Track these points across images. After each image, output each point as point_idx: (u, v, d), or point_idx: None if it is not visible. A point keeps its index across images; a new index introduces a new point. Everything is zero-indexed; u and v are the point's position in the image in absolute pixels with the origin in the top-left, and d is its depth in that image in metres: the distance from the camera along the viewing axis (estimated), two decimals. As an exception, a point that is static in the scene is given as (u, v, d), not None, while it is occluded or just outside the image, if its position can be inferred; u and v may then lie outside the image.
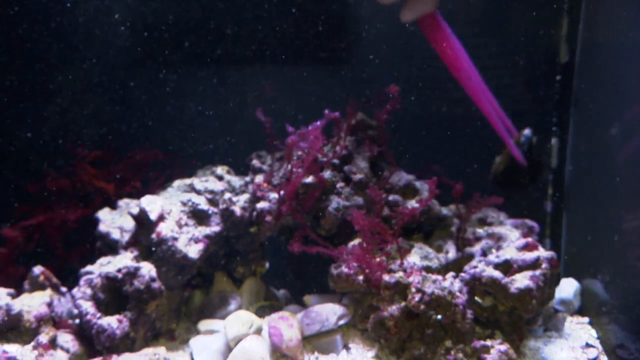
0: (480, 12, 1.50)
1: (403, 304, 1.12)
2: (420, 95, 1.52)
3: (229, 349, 1.16)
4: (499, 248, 1.17)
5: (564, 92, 1.44)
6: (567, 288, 1.30)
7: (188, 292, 1.35)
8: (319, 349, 1.17)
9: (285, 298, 1.43)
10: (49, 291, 1.21)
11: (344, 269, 1.18)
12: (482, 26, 1.50)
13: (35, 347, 1.09)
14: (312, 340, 1.19)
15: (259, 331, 1.18)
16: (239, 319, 1.18)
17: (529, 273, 1.09)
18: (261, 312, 1.29)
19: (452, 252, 1.22)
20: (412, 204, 1.23)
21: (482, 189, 1.24)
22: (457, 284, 1.10)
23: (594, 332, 1.23)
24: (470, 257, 1.17)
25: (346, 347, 1.18)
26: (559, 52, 1.44)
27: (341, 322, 1.19)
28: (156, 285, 1.18)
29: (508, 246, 1.16)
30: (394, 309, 1.12)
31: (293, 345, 1.14)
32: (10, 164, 1.45)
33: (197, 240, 1.25)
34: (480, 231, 1.23)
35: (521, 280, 1.07)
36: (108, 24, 1.50)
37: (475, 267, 1.12)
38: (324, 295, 1.28)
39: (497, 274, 1.09)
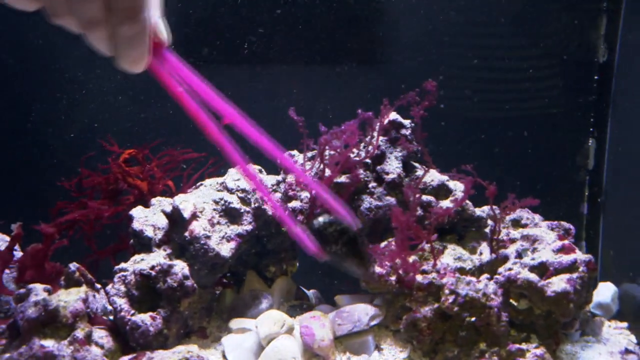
0: (517, 12, 1.48)
1: (436, 305, 1.11)
2: (454, 95, 1.50)
3: (261, 347, 1.16)
4: (534, 250, 1.15)
5: (602, 92, 1.41)
6: (605, 292, 1.28)
7: (219, 290, 1.36)
8: (350, 349, 1.17)
9: (315, 298, 1.42)
10: (84, 287, 1.22)
11: (377, 269, 1.18)
12: (519, 26, 1.48)
13: (71, 343, 1.11)
14: (344, 340, 1.18)
15: (290, 330, 1.18)
16: (270, 318, 1.19)
17: (565, 276, 1.07)
18: (292, 312, 1.29)
19: (486, 254, 1.20)
20: (446, 204, 1.22)
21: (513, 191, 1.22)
22: (491, 286, 1.09)
23: (633, 338, 1.21)
24: (505, 259, 1.16)
25: (378, 347, 1.17)
26: (597, 51, 1.41)
27: (373, 322, 1.18)
28: (189, 283, 1.19)
29: (544, 248, 1.14)
30: (427, 310, 1.11)
31: (325, 345, 1.13)
32: (47, 162, 1.48)
33: (229, 239, 1.26)
34: (514, 233, 1.21)
35: (558, 283, 1.06)
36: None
37: (510, 269, 1.11)
38: (356, 296, 1.28)
39: (533, 276, 1.07)
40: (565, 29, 1.49)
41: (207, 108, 0.85)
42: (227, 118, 0.85)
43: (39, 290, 1.18)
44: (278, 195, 1.32)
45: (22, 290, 1.19)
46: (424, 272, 1.15)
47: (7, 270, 1.33)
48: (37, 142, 1.58)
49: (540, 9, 1.47)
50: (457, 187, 1.27)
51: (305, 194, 1.27)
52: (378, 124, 1.25)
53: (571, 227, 1.21)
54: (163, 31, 0.75)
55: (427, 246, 1.19)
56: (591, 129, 1.43)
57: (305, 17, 1.56)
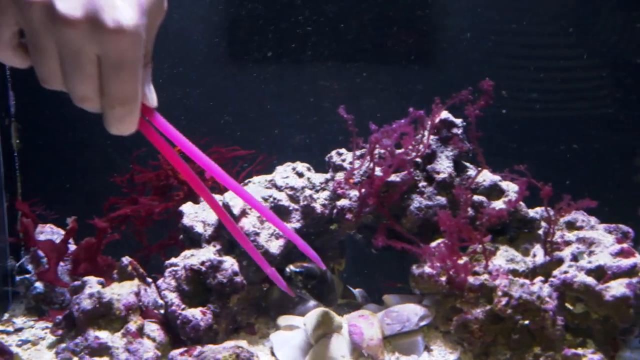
0: (572, 10, 1.45)
1: (488, 307, 1.09)
2: (505, 95, 1.48)
3: (309, 345, 1.16)
4: (591, 253, 1.12)
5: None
6: (665, 298, 1.23)
7: (267, 287, 1.36)
8: (399, 349, 1.16)
9: (361, 297, 1.42)
10: (136, 281, 1.24)
11: (427, 269, 1.17)
12: (573, 25, 1.45)
13: (124, 335, 1.13)
14: (393, 340, 1.18)
15: (339, 329, 1.18)
16: (319, 316, 1.19)
17: (625, 280, 1.04)
18: (339, 310, 1.28)
19: (539, 256, 1.18)
20: (499, 204, 1.20)
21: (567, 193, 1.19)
22: (546, 289, 1.07)
23: (694, 346, 1.17)
24: (560, 261, 1.13)
25: (428, 348, 1.16)
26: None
27: (423, 323, 1.17)
28: (238, 279, 1.20)
29: (601, 252, 1.10)
30: (478, 312, 1.10)
31: (374, 344, 1.13)
32: (100, 159, 1.52)
33: (277, 236, 1.26)
34: (569, 235, 1.18)
35: (617, 288, 1.03)
36: (190, 20, 1.53)
37: (565, 272, 1.08)
38: (404, 296, 1.27)
39: (590, 280, 1.04)
40: (620, 28, 1.45)
41: (191, 162, 0.90)
42: (209, 171, 0.91)
43: (93, 283, 1.20)
44: (326, 193, 1.32)
45: (77, 283, 1.22)
46: (475, 274, 1.13)
47: (61, 263, 1.36)
48: (91, 140, 1.62)
49: (597, 8, 1.44)
50: (510, 187, 1.24)
51: (354, 193, 1.27)
52: (429, 122, 1.24)
53: (630, 230, 1.18)
54: (152, 97, 0.76)
55: (478, 247, 1.17)
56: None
57: (354, 15, 1.56)
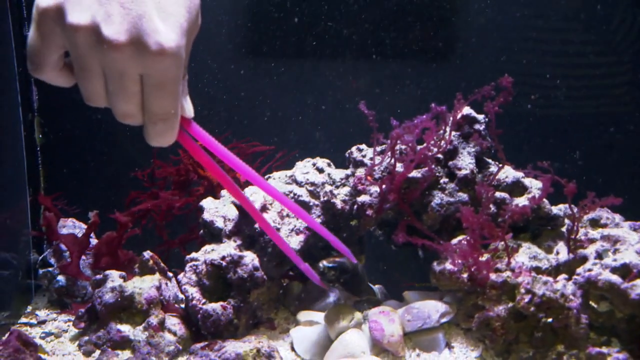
0: (582, 6, 1.43)
1: (510, 304, 1.08)
2: (532, 92, 1.46)
3: (329, 341, 1.16)
4: (615, 251, 1.10)
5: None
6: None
7: (286, 282, 1.37)
8: (420, 346, 1.16)
9: (381, 293, 1.41)
10: (157, 275, 1.25)
11: (448, 266, 1.16)
12: (599, 19, 1.43)
13: (146, 328, 1.14)
14: (413, 336, 1.17)
15: (359, 325, 1.18)
16: (339, 312, 1.18)
17: (651, 279, 1.02)
18: (359, 306, 1.28)
19: (563, 254, 1.17)
20: (522, 201, 1.19)
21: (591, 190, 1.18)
22: (570, 287, 1.05)
23: None
24: (584, 259, 1.12)
25: (449, 345, 1.15)
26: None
27: (443, 320, 1.16)
28: (259, 274, 1.20)
29: (626, 249, 1.09)
30: (500, 309, 1.09)
31: (394, 340, 1.12)
32: (121, 153, 1.53)
33: (298, 232, 1.26)
34: (593, 233, 1.16)
35: (643, 286, 1.01)
36: (210, 14, 1.53)
37: (590, 270, 1.07)
38: (425, 292, 1.26)
39: (615, 278, 1.03)
40: (633, 23, 1.43)
41: (226, 167, 0.94)
42: (243, 175, 0.95)
43: (115, 277, 1.22)
44: (347, 189, 1.32)
45: (99, 276, 1.23)
46: (497, 271, 1.12)
47: (83, 257, 1.37)
48: (112, 135, 1.63)
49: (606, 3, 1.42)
50: (533, 184, 1.23)
51: (374, 188, 1.26)
52: (451, 118, 1.23)
53: (655, 227, 1.16)
54: (189, 108, 0.81)
55: (500, 244, 1.16)
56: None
57: (375, 10, 1.55)
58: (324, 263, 1.17)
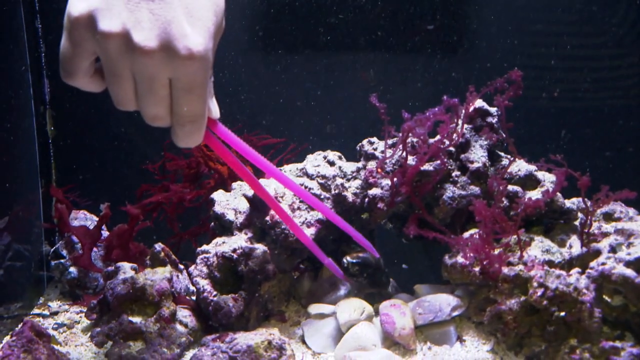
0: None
1: (523, 298, 1.08)
2: (542, 86, 1.45)
3: (340, 333, 1.16)
4: (629, 245, 1.09)
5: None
6: None
7: (297, 275, 1.36)
8: (431, 339, 1.15)
9: (391, 286, 1.41)
10: (168, 267, 1.25)
11: (460, 260, 1.15)
12: (612, 12, 1.42)
13: (157, 320, 1.14)
14: (425, 330, 1.17)
15: (370, 318, 1.18)
16: (350, 305, 1.18)
17: (665, 273, 1.01)
18: (370, 299, 1.28)
19: (576, 247, 1.16)
20: (535, 195, 1.18)
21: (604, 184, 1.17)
22: (583, 281, 1.05)
23: None
24: (597, 253, 1.11)
25: (460, 339, 1.15)
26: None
27: (455, 313, 1.16)
28: (270, 267, 1.20)
29: (640, 243, 1.08)
30: (512, 302, 1.08)
31: (406, 333, 1.12)
32: (133, 146, 1.53)
33: (309, 224, 1.26)
34: (607, 227, 1.15)
35: (657, 280, 1.00)
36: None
37: (603, 263, 1.06)
38: (436, 286, 1.26)
39: (629, 272, 1.02)
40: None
41: (251, 165, 0.99)
42: (268, 173, 1.01)
43: (126, 269, 1.22)
44: (358, 182, 1.31)
45: (110, 268, 1.23)
46: (509, 264, 1.12)
47: (94, 249, 1.38)
48: (124, 127, 1.64)
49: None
50: (546, 177, 1.22)
51: (386, 182, 1.26)
52: (463, 111, 1.22)
53: (670, 221, 1.15)
54: (215, 109, 0.83)
55: (512, 238, 1.15)
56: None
57: (387, 3, 1.54)
58: (347, 259, 1.22)
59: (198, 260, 1.23)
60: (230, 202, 1.32)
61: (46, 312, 1.33)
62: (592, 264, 1.08)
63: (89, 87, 0.75)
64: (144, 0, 0.67)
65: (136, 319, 1.15)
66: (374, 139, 1.37)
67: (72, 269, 1.39)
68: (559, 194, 1.20)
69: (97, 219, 1.46)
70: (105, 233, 1.42)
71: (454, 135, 1.24)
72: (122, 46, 0.67)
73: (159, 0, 0.67)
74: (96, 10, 0.67)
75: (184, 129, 0.73)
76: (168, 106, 0.71)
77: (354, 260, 1.22)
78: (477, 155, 1.24)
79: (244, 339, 1.08)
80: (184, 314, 1.20)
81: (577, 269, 1.08)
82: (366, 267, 1.23)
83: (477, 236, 1.13)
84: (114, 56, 0.67)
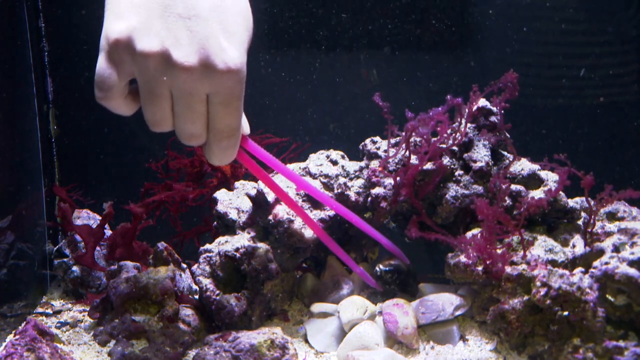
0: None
1: (526, 297, 1.08)
2: (544, 85, 1.45)
3: (343, 333, 1.16)
4: (633, 244, 1.09)
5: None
6: None
7: (300, 274, 1.37)
8: (434, 338, 1.15)
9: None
10: (171, 266, 1.25)
11: (463, 259, 1.15)
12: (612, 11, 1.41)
13: (160, 319, 1.14)
14: (427, 329, 1.17)
15: (373, 317, 1.18)
16: (353, 304, 1.18)
17: (669, 272, 1.01)
18: (373, 298, 1.28)
19: (579, 247, 1.16)
20: (538, 194, 1.18)
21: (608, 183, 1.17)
22: (586, 280, 1.05)
23: None
24: (601, 252, 1.10)
25: (463, 338, 1.15)
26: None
27: (458, 312, 1.16)
28: (273, 266, 1.20)
29: (644, 243, 1.08)
30: (516, 302, 1.08)
31: (409, 333, 1.12)
32: (136, 145, 1.53)
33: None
34: (610, 226, 1.15)
35: (661, 280, 1.00)
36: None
37: (607, 263, 1.06)
38: (439, 285, 1.26)
39: (633, 271, 1.02)
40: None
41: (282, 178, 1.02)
42: (298, 186, 1.05)
43: (129, 267, 1.22)
44: (360, 181, 1.31)
45: (113, 267, 1.23)
46: (513, 263, 1.11)
47: (97, 248, 1.38)
48: (127, 126, 1.64)
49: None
50: (550, 176, 1.22)
51: (389, 181, 1.26)
52: (466, 110, 1.22)
53: (674, 221, 1.15)
54: (246, 125, 0.85)
55: (515, 237, 1.15)
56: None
57: (390, 2, 1.54)
58: (380, 267, 1.26)
59: (201, 259, 1.23)
60: (233, 201, 1.32)
61: (49, 310, 1.33)
62: (596, 263, 1.08)
63: (122, 109, 0.75)
64: (180, 18, 0.67)
65: (139, 318, 1.15)
66: (377, 138, 1.37)
67: (75, 268, 1.39)
68: (562, 193, 1.19)
69: (100, 218, 1.46)
70: (108, 232, 1.42)
71: (457, 134, 1.23)
72: (161, 65, 0.67)
73: (195, 17, 0.67)
74: (134, 31, 0.67)
75: (220, 144, 0.74)
76: (205, 123, 0.72)
77: (387, 268, 1.26)
78: (481, 154, 1.24)
79: (247, 338, 1.08)
80: (187, 313, 1.20)
81: (580, 269, 1.08)
82: (399, 274, 1.26)
83: (480, 235, 1.13)
84: (153, 75, 0.68)
